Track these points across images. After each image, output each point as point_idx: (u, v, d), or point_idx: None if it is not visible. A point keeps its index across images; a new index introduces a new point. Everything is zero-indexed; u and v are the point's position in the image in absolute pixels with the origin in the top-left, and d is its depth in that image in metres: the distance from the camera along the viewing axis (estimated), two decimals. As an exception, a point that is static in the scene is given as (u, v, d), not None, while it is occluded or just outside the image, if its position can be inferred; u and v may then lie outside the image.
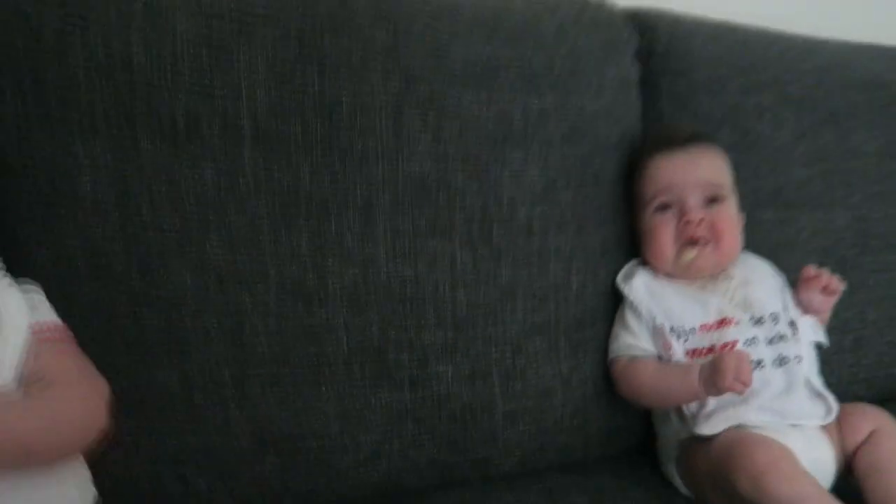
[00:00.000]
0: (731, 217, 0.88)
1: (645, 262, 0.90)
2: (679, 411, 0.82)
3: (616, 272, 0.90)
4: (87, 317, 0.62)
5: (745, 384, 0.73)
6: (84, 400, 0.55)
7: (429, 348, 0.75)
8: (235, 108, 0.68)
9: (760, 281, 0.88)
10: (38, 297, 0.58)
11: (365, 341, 0.72)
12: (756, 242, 0.95)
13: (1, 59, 0.62)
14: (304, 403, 0.70)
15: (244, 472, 0.68)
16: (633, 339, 0.85)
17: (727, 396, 0.76)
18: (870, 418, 0.79)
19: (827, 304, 0.87)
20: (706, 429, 0.78)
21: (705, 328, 0.83)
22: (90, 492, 0.57)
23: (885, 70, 1.14)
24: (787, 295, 0.88)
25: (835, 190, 1.05)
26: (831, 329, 0.92)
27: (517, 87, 0.84)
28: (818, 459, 0.76)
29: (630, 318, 0.86)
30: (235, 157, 0.68)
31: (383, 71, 0.76)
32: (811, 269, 0.87)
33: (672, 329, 0.84)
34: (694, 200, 0.85)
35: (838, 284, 0.86)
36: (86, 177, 0.63)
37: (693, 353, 0.83)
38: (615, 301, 0.90)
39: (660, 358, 0.84)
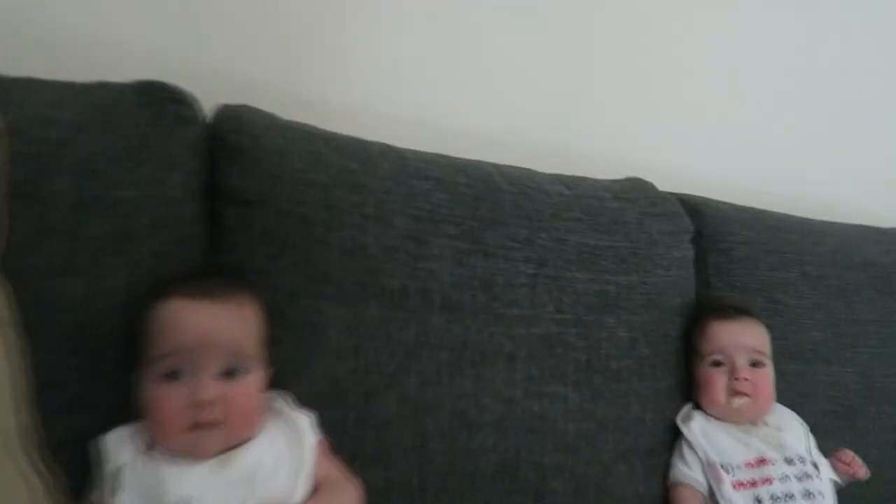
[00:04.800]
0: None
1: (698, 406, 1.15)
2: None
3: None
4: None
5: None
6: (357, 498, 0.78)
7: (547, 468, 1.00)
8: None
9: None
10: (313, 419, 0.82)
11: (507, 462, 0.97)
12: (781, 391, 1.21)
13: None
14: None
15: None
16: (687, 469, 1.09)
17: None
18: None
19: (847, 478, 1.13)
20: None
21: (749, 465, 1.07)
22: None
23: (881, 253, 1.45)
24: (811, 440, 1.14)
25: (844, 350, 1.33)
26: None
27: (611, 268, 1.12)
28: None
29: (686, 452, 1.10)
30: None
31: (523, 256, 1.04)
32: (848, 455, 1.12)
33: (721, 465, 1.07)
34: (741, 361, 1.12)
35: (863, 475, 1.11)
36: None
37: (737, 485, 1.06)
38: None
39: (711, 488, 1.07)
